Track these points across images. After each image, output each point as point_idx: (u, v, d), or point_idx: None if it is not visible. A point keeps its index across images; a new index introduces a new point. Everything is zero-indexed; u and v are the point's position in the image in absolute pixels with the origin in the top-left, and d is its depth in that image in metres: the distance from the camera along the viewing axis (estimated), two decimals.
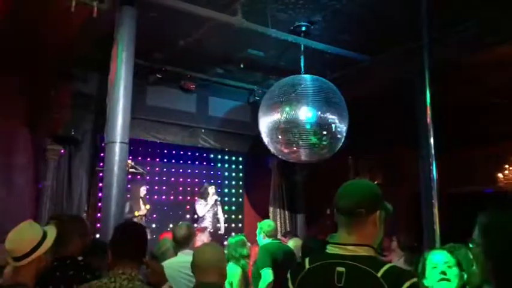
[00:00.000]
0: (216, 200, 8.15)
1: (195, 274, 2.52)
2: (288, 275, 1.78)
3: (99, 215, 6.05)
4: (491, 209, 1.62)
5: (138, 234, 2.38)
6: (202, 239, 5.08)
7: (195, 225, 7.56)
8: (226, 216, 9.17)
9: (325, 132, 5.61)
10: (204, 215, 7.94)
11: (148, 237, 7.30)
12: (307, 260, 1.77)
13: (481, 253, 1.60)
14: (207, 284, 2.38)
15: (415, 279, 1.60)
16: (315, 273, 1.71)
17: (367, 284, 1.60)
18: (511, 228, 1.55)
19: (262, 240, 4.89)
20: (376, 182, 9.45)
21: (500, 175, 7.90)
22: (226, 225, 8.54)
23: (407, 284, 1.56)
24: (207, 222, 7.87)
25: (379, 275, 1.58)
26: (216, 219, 8.13)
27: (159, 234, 7.55)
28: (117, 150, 4.42)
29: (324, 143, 5.68)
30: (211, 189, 8.15)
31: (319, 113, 5.51)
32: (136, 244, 2.31)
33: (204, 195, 8.08)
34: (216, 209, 8.19)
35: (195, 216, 8.09)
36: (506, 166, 7.92)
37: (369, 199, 1.74)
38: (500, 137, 7.79)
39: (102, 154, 6.65)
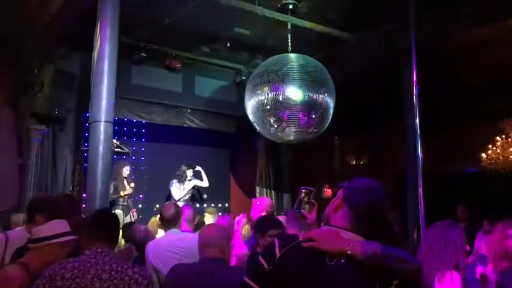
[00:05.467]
0: (193, 186, 7.58)
1: (198, 251, 2.61)
2: (276, 242, 1.72)
3: (84, 195, 6.00)
4: None
5: (115, 220, 2.47)
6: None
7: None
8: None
9: (312, 112, 5.60)
10: (179, 200, 7.22)
11: (135, 217, 7.19)
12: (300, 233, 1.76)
13: None
14: (207, 258, 2.50)
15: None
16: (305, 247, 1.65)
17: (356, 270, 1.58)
18: None
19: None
20: (361, 162, 9.55)
21: (483, 155, 7.98)
22: (212, 205, 8.51)
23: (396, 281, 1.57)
24: None
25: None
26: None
27: (146, 214, 7.54)
28: (102, 129, 4.36)
29: (311, 122, 5.68)
30: (189, 173, 7.54)
31: (307, 92, 5.49)
32: (114, 228, 2.43)
33: (181, 178, 7.48)
34: (192, 195, 7.65)
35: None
36: (490, 146, 7.99)
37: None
38: (484, 117, 7.87)
39: (86, 134, 6.59)
